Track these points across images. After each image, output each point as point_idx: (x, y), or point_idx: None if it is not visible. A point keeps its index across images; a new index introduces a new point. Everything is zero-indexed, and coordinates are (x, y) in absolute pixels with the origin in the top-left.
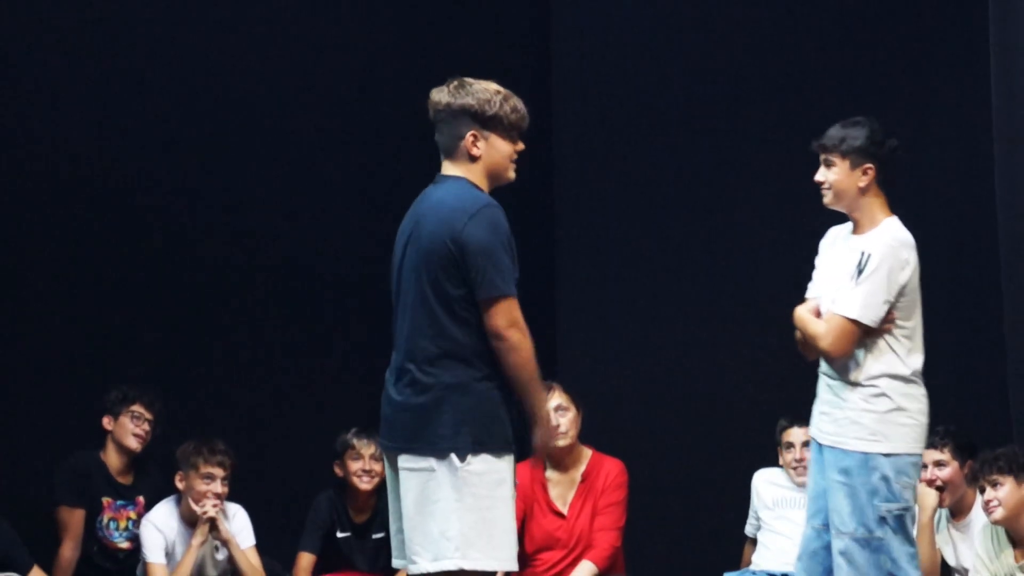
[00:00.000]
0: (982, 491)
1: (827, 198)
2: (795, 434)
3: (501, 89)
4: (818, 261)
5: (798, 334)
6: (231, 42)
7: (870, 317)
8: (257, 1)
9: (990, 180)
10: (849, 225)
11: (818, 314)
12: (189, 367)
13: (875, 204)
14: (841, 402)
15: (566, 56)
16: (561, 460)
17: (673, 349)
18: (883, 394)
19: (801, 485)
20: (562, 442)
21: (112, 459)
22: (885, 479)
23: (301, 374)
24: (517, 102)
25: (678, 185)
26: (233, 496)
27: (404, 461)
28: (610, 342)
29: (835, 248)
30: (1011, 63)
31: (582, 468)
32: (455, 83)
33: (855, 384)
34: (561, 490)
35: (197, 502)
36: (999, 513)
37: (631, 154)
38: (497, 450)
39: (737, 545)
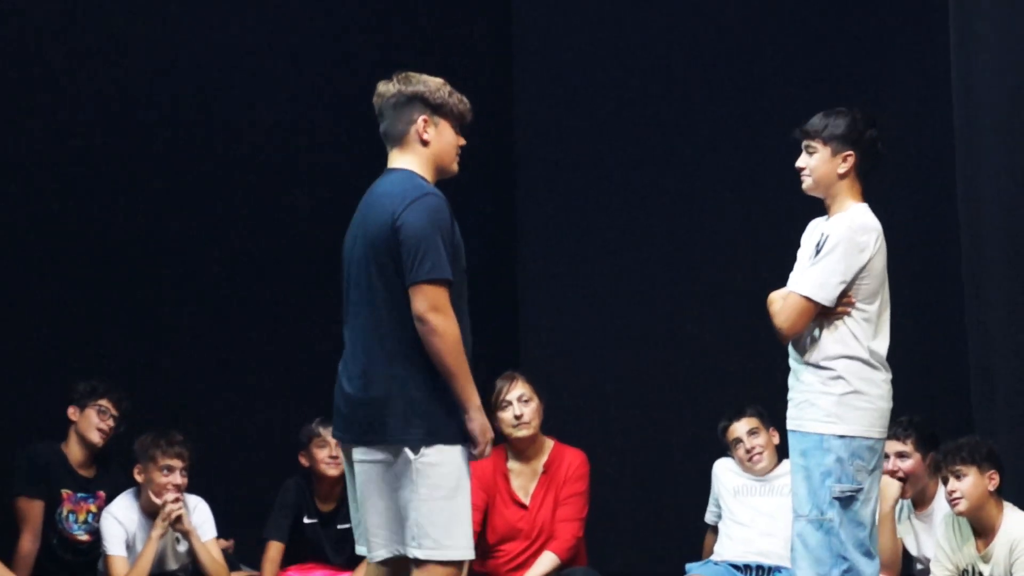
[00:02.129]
0: (945, 482)
1: (806, 183)
2: (738, 428)
3: (446, 83)
4: (799, 253)
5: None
6: (199, 41)
7: (823, 296)
8: (226, 5)
9: (951, 173)
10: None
11: None
12: (150, 358)
13: (850, 191)
14: (800, 384)
15: (527, 50)
16: (523, 451)
17: (634, 340)
18: (840, 376)
19: (759, 474)
20: (524, 432)
21: (73, 451)
22: (839, 460)
23: (262, 365)
24: (462, 96)
25: (639, 177)
26: (195, 488)
27: (359, 454)
28: (572, 333)
29: (807, 236)
30: (970, 57)
31: (544, 459)
32: (402, 75)
33: (813, 366)
34: (523, 481)
35: (157, 494)
36: (963, 505)
37: (592, 145)
38: (450, 440)
39: (699, 535)
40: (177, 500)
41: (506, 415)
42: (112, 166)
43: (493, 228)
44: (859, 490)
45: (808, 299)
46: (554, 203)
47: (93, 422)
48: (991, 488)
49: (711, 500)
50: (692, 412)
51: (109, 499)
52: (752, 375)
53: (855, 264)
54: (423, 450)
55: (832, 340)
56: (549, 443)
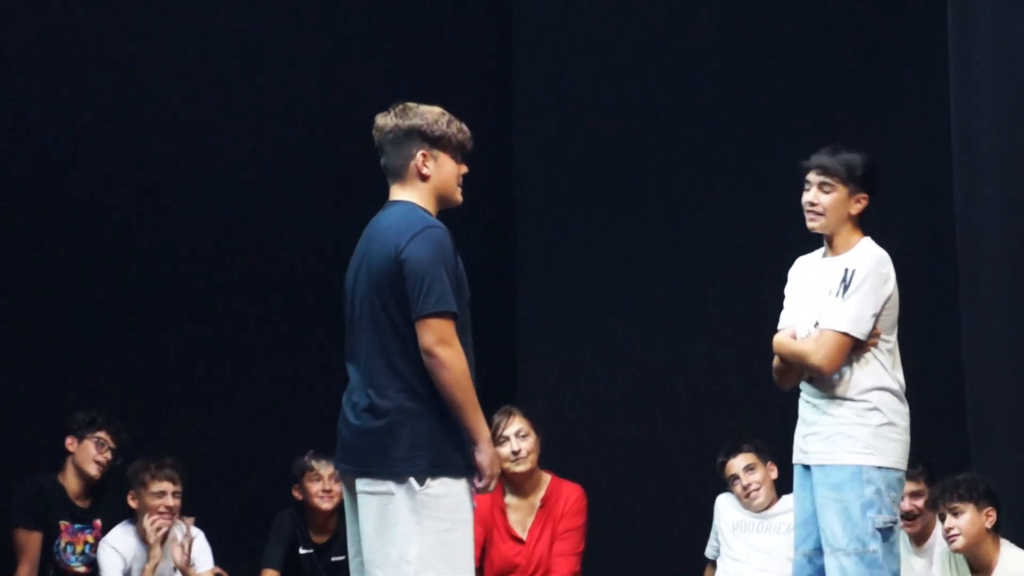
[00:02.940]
0: (942, 519)
1: (817, 223)
2: (735, 465)
3: (445, 112)
4: (788, 291)
5: (776, 362)
6: (187, 56)
7: (860, 330)
8: (217, 16)
9: (949, 204)
10: (818, 252)
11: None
12: (147, 389)
13: (855, 227)
14: (830, 419)
15: (527, 75)
16: (520, 485)
17: (633, 374)
18: (875, 408)
19: (756, 509)
20: (521, 467)
21: (71, 482)
22: (879, 492)
23: (258, 397)
24: (462, 124)
25: (638, 212)
26: (190, 515)
27: (362, 485)
28: (570, 367)
29: (807, 275)
30: (968, 89)
31: (541, 493)
32: (399, 107)
33: (845, 399)
34: (520, 515)
35: (152, 520)
36: (960, 542)
37: (591, 176)
38: (455, 473)
39: (697, 571)
40: (164, 519)
41: (503, 450)
42: (107, 196)
43: (491, 259)
44: (895, 521)
45: (846, 335)
46: (552, 235)
47: (91, 454)
48: (988, 525)
49: (712, 534)
50: (691, 446)
51: (105, 528)
52: (752, 408)
53: (882, 295)
54: (428, 481)
55: (865, 373)
56: (546, 477)
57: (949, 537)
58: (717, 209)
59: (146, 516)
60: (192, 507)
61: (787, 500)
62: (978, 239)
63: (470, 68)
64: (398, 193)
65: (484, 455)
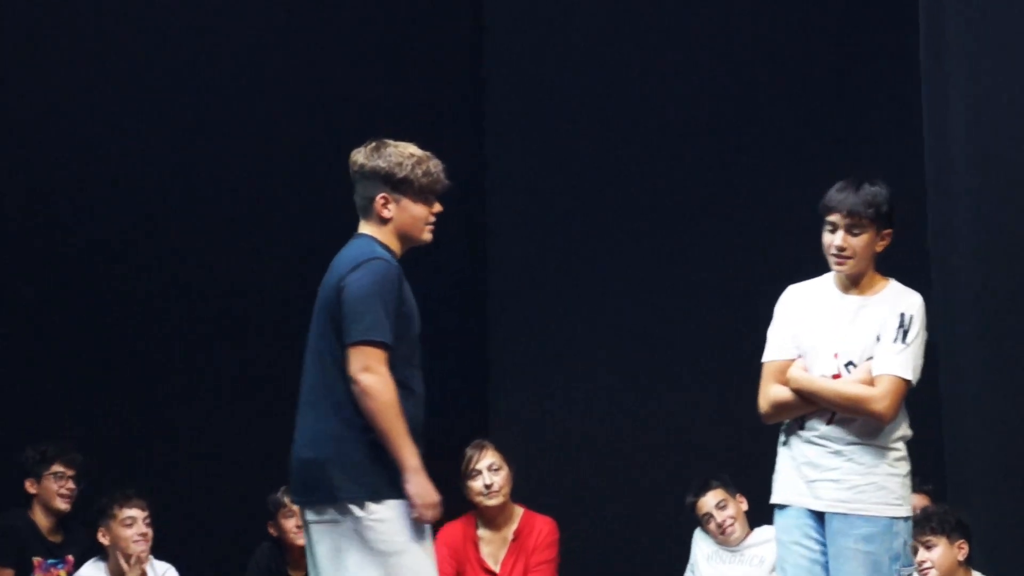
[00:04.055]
0: (914, 551)
1: (845, 266)
2: (707, 503)
3: (417, 152)
4: (786, 320)
5: (785, 396)
6: (157, 77)
7: (917, 379)
8: (191, 32)
9: (922, 233)
10: (824, 284)
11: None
12: (119, 425)
13: (873, 263)
14: (857, 466)
15: (499, 101)
16: (493, 519)
17: (605, 408)
18: (904, 457)
19: (731, 544)
20: (494, 501)
21: (40, 519)
22: (905, 544)
23: (232, 431)
24: (431, 165)
25: (613, 243)
26: (164, 554)
27: (310, 515)
28: (543, 401)
29: (820, 308)
30: (942, 117)
31: (514, 526)
32: (373, 144)
33: (880, 447)
34: (493, 549)
35: (126, 550)
36: (933, 575)
37: (565, 210)
38: (398, 496)
39: None
40: (140, 544)
41: (476, 484)
42: (71, 224)
43: (463, 294)
44: (913, 570)
45: (909, 383)
46: (525, 266)
47: (54, 490)
48: (960, 558)
49: (688, 568)
50: (663, 479)
51: (78, 562)
52: (723, 442)
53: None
54: (372, 507)
55: (902, 420)
56: (519, 511)
57: (922, 571)
58: (692, 242)
59: (119, 552)
60: (168, 542)
61: (760, 532)
62: (953, 271)
63: (442, 87)
64: (363, 227)
65: (412, 485)
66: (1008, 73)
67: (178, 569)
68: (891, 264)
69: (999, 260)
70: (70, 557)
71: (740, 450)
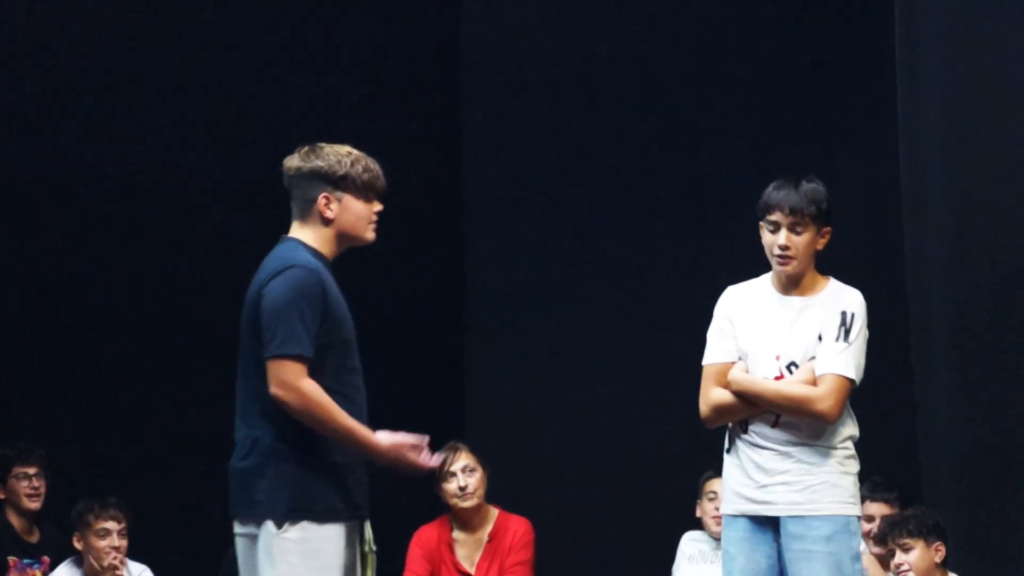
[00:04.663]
0: (891, 554)
1: (789, 265)
2: (718, 484)
3: (353, 151)
4: (723, 323)
5: (725, 398)
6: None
7: (860, 377)
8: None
9: (899, 243)
10: (762, 285)
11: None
12: (91, 426)
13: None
14: (808, 467)
15: (474, 106)
16: (468, 520)
17: (581, 408)
18: (853, 456)
19: (718, 536)
20: (469, 503)
21: (14, 520)
22: (859, 541)
23: (206, 430)
24: (369, 163)
25: (588, 245)
26: (140, 555)
27: (236, 526)
28: (518, 401)
29: (760, 310)
30: (916, 121)
31: (489, 528)
32: (306, 148)
33: (828, 447)
34: (468, 551)
35: (98, 560)
36: None
37: (542, 215)
38: (316, 518)
39: None
40: (117, 559)
41: (450, 486)
42: (37, 228)
43: (440, 295)
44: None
45: (852, 382)
46: (502, 268)
47: (21, 492)
48: (937, 560)
49: (674, 570)
50: (640, 479)
51: (54, 563)
52: (701, 442)
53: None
54: (287, 525)
55: (847, 420)
56: (494, 512)
57: (900, 573)
58: (668, 243)
59: (93, 559)
60: (141, 545)
61: None
62: (927, 276)
63: (419, 112)
64: (293, 231)
65: (383, 455)
66: (983, 73)
67: (153, 570)
68: (867, 270)
69: (974, 265)
70: (46, 558)
71: (720, 450)
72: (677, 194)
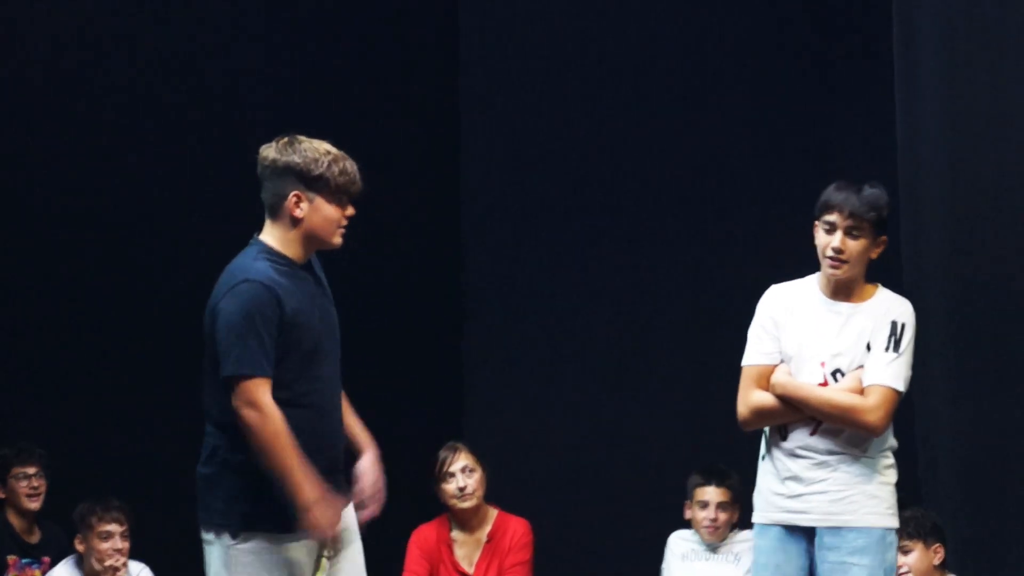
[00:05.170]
0: None
1: (840, 270)
2: (710, 492)
3: (332, 150)
4: (766, 323)
5: (769, 402)
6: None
7: (906, 389)
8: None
9: (896, 248)
10: (809, 287)
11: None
12: (91, 425)
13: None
14: (845, 476)
15: (473, 109)
16: (467, 521)
17: (580, 409)
18: (893, 465)
19: (710, 543)
20: (468, 504)
21: (14, 520)
22: (894, 554)
23: (202, 429)
24: (347, 165)
25: (586, 247)
26: (139, 554)
27: (201, 530)
28: (517, 402)
29: (806, 313)
30: (915, 124)
31: (487, 528)
32: (285, 140)
33: (867, 456)
34: (467, 551)
35: (100, 561)
36: None
37: (540, 216)
38: (270, 530)
39: None
40: (117, 560)
41: (449, 487)
42: (43, 227)
43: (438, 296)
44: None
45: (900, 394)
46: (501, 269)
47: (21, 492)
48: (936, 562)
49: (662, 571)
50: (638, 480)
51: (54, 562)
52: (699, 443)
53: None
54: (241, 536)
55: (888, 430)
56: (493, 512)
57: (899, 575)
58: (666, 244)
59: (94, 561)
60: (140, 543)
61: (741, 534)
62: (924, 278)
63: (418, 112)
64: (265, 230)
65: (308, 520)
66: (981, 76)
67: (152, 569)
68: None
69: (971, 267)
70: (46, 558)
71: (716, 451)
72: (675, 197)
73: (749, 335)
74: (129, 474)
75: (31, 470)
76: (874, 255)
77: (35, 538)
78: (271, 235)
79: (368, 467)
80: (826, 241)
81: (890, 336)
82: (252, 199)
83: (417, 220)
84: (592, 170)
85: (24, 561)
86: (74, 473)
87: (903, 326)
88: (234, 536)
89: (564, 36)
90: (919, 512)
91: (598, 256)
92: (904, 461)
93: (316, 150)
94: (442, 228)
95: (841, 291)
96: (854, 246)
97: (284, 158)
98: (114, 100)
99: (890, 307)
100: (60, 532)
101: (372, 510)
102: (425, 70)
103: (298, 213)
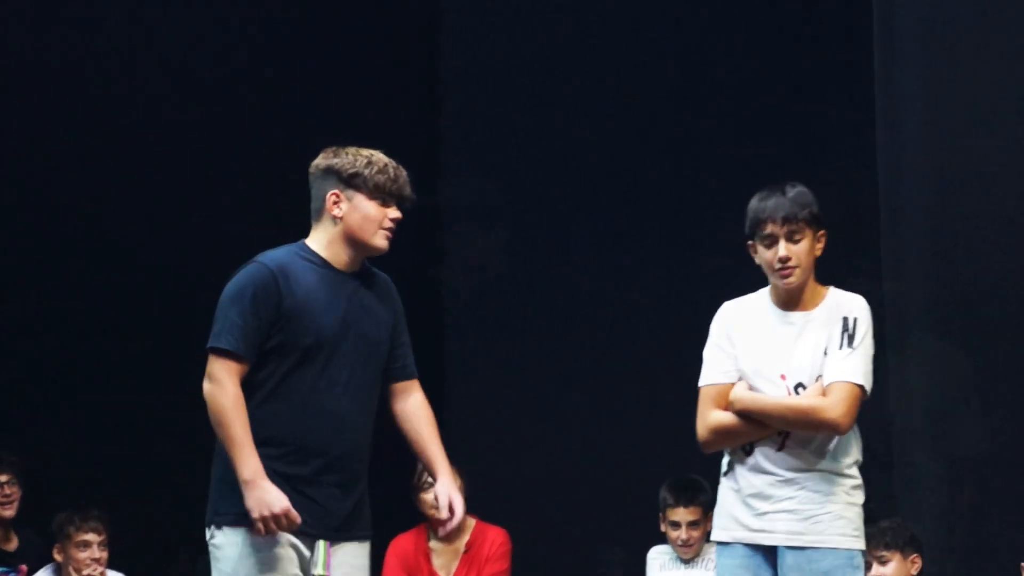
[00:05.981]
0: (868, 567)
1: (795, 277)
2: (680, 513)
3: (376, 153)
4: (722, 341)
5: (728, 420)
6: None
7: (870, 385)
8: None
9: (876, 257)
10: (759, 301)
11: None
12: (69, 434)
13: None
14: (816, 496)
15: (452, 116)
16: None
17: (558, 419)
18: (860, 485)
19: (685, 561)
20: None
21: None
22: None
23: (185, 437)
24: (390, 166)
25: (565, 255)
26: (117, 564)
27: None
28: (495, 412)
29: (760, 327)
30: (895, 129)
31: (466, 538)
32: (332, 149)
33: (832, 473)
34: (444, 560)
35: (79, 571)
36: None
37: (518, 220)
38: (231, 523)
39: None
40: (94, 570)
41: (428, 496)
42: (25, 234)
43: (417, 304)
44: None
45: (862, 388)
46: (479, 278)
47: None
48: (914, 572)
49: None
50: (617, 489)
51: (32, 572)
52: (678, 451)
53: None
54: (213, 530)
55: (850, 443)
56: (471, 522)
57: None
58: (645, 251)
59: (72, 570)
60: (117, 552)
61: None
62: (904, 292)
63: (398, 114)
64: (311, 233)
65: (247, 498)
66: (960, 77)
67: None
68: (842, 273)
69: (952, 272)
70: (23, 567)
71: (694, 462)
72: (654, 203)
73: (704, 355)
74: (109, 483)
75: (3, 477)
76: (818, 252)
77: (12, 545)
78: (313, 238)
79: (441, 492)
80: (770, 255)
81: (843, 332)
82: (246, 204)
83: (398, 232)
84: (571, 178)
85: (1, 569)
86: (54, 482)
87: (855, 320)
88: (218, 529)
89: (548, 35)
90: (896, 523)
91: (577, 266)
92: (881, 471)
93: (358, 153)
94: (420, 235)
95: (794, 300)
96: (798, 249)
97: (326, 162)
98: (114, 98)
99: (840, 304)
100: (37, 540)
101: (448, 525)
102: (405, 71)
103: (336, 212)
